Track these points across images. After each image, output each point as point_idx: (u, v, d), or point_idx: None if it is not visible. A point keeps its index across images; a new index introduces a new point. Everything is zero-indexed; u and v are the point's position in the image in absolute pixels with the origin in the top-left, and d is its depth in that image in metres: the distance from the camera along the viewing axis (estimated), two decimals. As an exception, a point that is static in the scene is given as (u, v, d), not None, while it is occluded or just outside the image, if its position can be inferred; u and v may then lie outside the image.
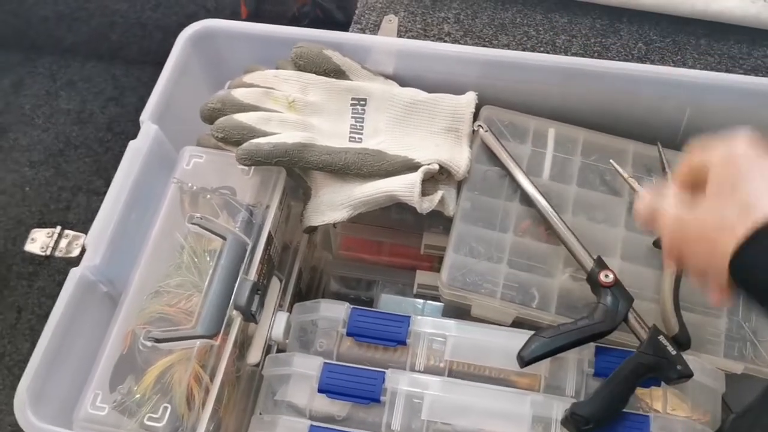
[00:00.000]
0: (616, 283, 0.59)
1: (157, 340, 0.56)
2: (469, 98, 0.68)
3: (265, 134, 0.63)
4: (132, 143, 0.63)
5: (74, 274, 0.56)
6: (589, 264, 0.61)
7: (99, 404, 0.54)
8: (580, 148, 0.69)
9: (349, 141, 0.67)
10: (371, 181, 0.65)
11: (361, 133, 0.67)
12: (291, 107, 0.66)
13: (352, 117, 0.68)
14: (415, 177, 0.62)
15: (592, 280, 0.60)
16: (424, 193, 0.64)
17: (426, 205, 0.63)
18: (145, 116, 0.65)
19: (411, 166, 0.65)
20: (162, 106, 0.66)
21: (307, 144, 0.63)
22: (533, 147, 0.69)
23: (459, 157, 0.66)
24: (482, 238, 0.65)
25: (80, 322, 0.57)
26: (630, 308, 0.59)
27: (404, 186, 0.62)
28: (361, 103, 0.68)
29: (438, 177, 0.66)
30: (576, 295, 0.63)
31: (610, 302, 0.58)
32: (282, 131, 0.64)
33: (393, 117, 0.68)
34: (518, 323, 0.64)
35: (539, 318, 0.63)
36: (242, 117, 0.64)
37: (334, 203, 0.65)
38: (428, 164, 0.64)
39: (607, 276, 0.59)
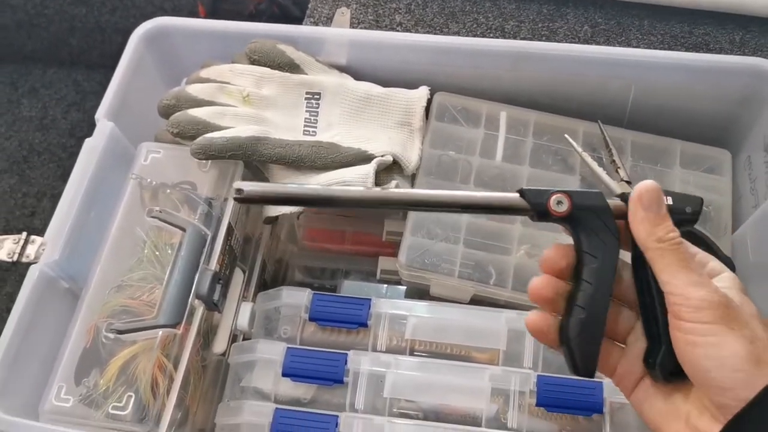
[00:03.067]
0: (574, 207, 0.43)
1: (120, 332, 0.57)
2: (422, 93, 0.70)
3: (219, 128, 0.64)
4: (88, 141, 0.64)
5: (33, 270, 0.57)
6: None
7: (64, 396, 0.55)
8: (532, 130, 0.71)
9: (303, 134, 0.68)
10: (326, 173, 0.66)
11: (315, 127, 0.69)
12: (245, 101, 0.67)
13: (306, 111, 0.69)
14: (369, 168, 0.64)
15: (544, 216, 0.44)
16: (379, 183, 0.65)
17: None
18: (101, 114, 0.65)
19: (365, 158, 0.66)
20: (117, 104, 0.67)
21: (261, 137, 0.64)
22: (486, 130, 0.71)
23: (410, 151, 0.68)
24: (439, 220, 0.67)
25: (42, 318, 0.58)
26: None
27: (358, 176, 0.64)
28: (316, 97, 0.69)
29: (392, 168, 0.67)
30: (531, 270, 0.65)
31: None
32: (236, 125, 0.65)
33: (347, 111, 0.69)
34: (476, 301, 0.66)
35: (497, 294, 0.65)
36: (196, 112, 0.65)
37: None
38: (382, 156, 0.66)
39: (560, 203, 0.43)
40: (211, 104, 0.66)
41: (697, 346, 0.37)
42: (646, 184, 0.41)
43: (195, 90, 0.66)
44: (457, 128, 0.71)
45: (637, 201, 0.41)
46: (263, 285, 0.75)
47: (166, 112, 0.66)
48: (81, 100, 1.12)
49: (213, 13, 1.02)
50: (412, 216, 0.67)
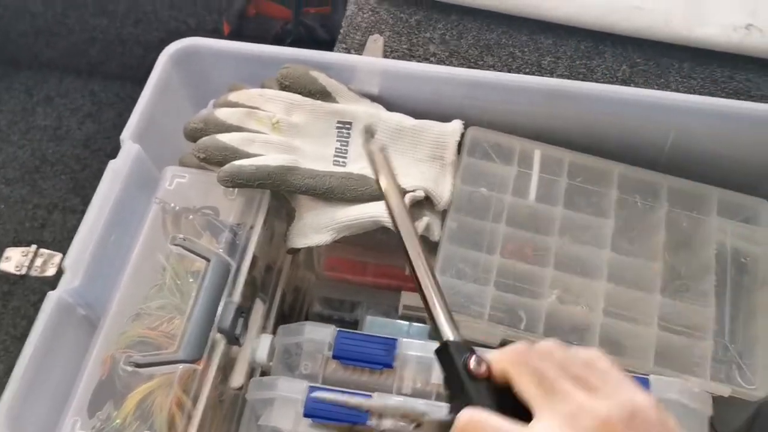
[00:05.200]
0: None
1: (138, 365, 0.55)
2: (455, 126, 0.68)
3: (247, 155, 0.62)
4: (112, 163, 0.62)
5: (52, 297, 0.55)
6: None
7: (78, 431, 0.52)
8: (566, 170, 0.69)
9: (333, 164, 0.66)
10: (356, 205, 0.64)
11: (346, 157, 0.67)
12: (275, 128, 0.66)
13: (337, 140, 0.67)
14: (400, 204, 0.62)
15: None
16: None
17: None
18: (126, 135, 0.63)
19: None
20: (143, 125, 0.65)
21: (291, 167, 0.62)
22: (519, 168, 0.69)
23: (442, 186, 0.66)
24: (469, 260, 0.65)
25: (58, 347, 0.55)
26: None
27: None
28: (347, 126, 0.67)
29: (422, 203, 0.65)
30: (562, 316, 0.63)
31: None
32: (265, 153, 0.63)
33: (378, 142, 0.67)
34: (505, 344, 0.64)
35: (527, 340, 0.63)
36: (225, 137, 0.63)
37: (318, 226, 0.65)
38: (413, 190, 0.64)
39: (479, 364, 0.41)
40: (240, 130, 0.64)
41: None
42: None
43: (223, 114, 0.65)
44: (490, 164, 0.69)
45: None
46: (282, 315, 0.73)
47: (194, 135, 0.64)
48: (97, 112, 1.10)
49: (238, 32, 1.00)
50: (442, 253, 0.65)
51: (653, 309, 0.63)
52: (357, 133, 0.68)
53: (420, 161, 0.68)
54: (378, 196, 0.64)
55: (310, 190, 0.63)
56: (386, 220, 0.62)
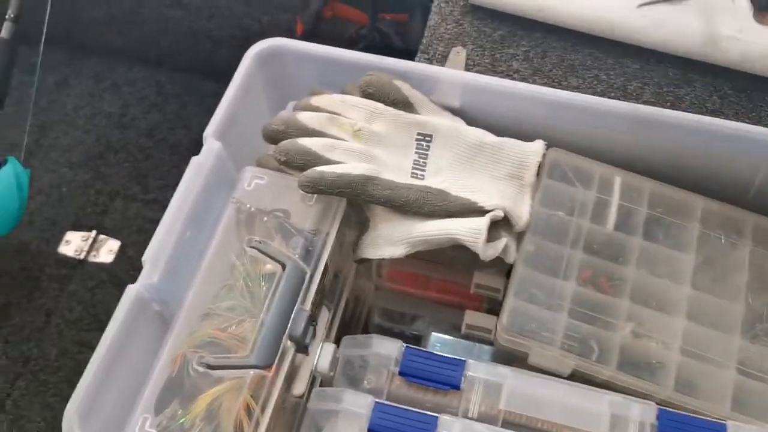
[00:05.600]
0: None
1: (210, 366, 0.54)
2: (538, 147, 0.66)
3: (328, 162, 0.62)
4: (195, 159, 0.61)
5: (131, 291, 0.55)
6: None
7: (148, 429, 0.52)
8: (647, 199, 0.67)
9: (411, 177, 0.65)
10: (432, 220, 0.63)
11: (424, 170, 0.66)
12: (355, 136, 0.65)
13: (416, 152, 0.66)
14: (482, 222, 0.61)
15: None
16: (487, 239, 0.62)
17: (490, 252, 0.62)
18: (209, 132, 0.63)
19: (474, 210, 0.63)
20: (226, 123, 0.64)
21: (371, 177, 0.62)
22: (598, 194, 0.67)
23: (521, 207, 0.65)
24: (543, 285, 0.63)
25: (132, 342, 0.55)
26: None
27: (469, 230, 0.61)
28: (427, 138, 0.66)
29: (499, 223, 0.64)
30: (637, 351, 0.61)
31: None
32: (346, 160, 0.62)
33: (457, 156, 0.66)
34: (573, 376, 0.62)
35: (598, 372, 0.61)
36: (306, 142, 0.62)
37: (392, 238, 0.64)
38: (492, 209, 0.63)
39: None
40: (321, 135, 0.64)
41: None
42: None
43: (305, 118, 0.64)
44: (569, 188, 0.67)
45: None
46: (342, 324, 0.73)
47: (274, 137, 0.63)
48: (162, 102, 1.11)
49: (312, 33, 1.00)
50: (517, 276, 0.63)
51: (732, 351, 0.61)
52: (437, 146, 0.67)
53: (498, 179, 0.66)
54: (455, 212, 0.63)
55: (388, 202, 0.62)
56: (463, 238, 0.61)
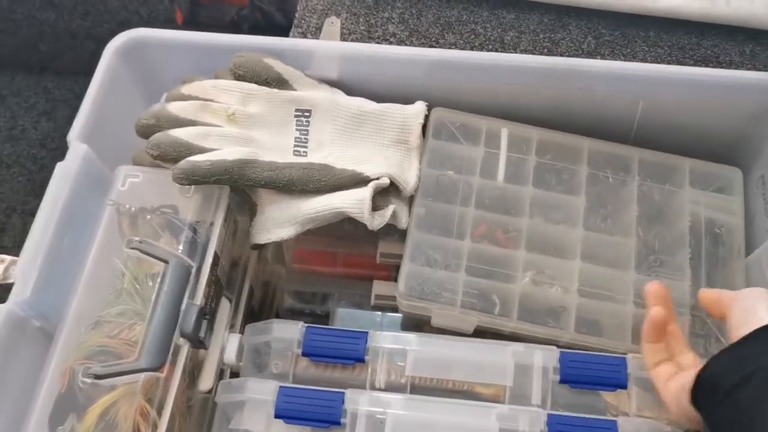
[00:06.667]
0: None
1: (98, 377, 0.52)
2: (419, 108, 0.65)
3: (203, 150, 0.60)
4: (60, 165, 0.59)
5: (1, 310, 0.52)
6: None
7: (38, 449, 0.50)
8: (535, 148, 0.67)
9: (294, 155, 0.64)
10: (318, 197, 0.62)
11: (306, 147, 0.64)
12: (231, 120, 0.63)
13: (296, 129, 0.65)
14: (365, 192, 0.60)
15: None
16: (375, 207, 0.61)
17: (377, 222, 0.61)
18: (73, 135, 0.60)
19: (359, 180, 0.62)
20: (91, 124, 0.62)
21: (249, 160, 0.60)
22: (486, 148, 0.67)
23: (408, 171, 0.64)
24: (439, 246, 0.63)
25: (12, 362, 0.53)
26: None
27: (353, 202, 0.60)
28: (306, 114, 0.65)
29: (388, 190, 0.63)
30: (537, 298, 0.62)
31: None
32: (221, 147, 0.60)
33: (339, 129, 0.65)
34: (479, 332, 0.62)
35: (501, 325, 0.61)
36: (178, 132, 0.60)
37: (280, 220, 0.62)
38: (377, 178, 0.62)
39: None
40: (194, 124, 0.61)
41: None
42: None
43: (176, 108, 0.62)
44: (456, 146, 0.67)
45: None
46: (251, 312, 0.71)
47: (146, 132, 0.61)
48: (52, 109, 1.06)
49: (192, 20, 0.97)
50: (410, 240, 0.63)
51: (628, 286, 0.62)
52: (317, 120, 0.65)
53: (384, 147, 0.65)
54: (342, 185, 0.62)
55: (270, 183, 0.61)
56: (348, 210, 0.60)
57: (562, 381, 0.57)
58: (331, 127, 0.65)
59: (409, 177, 0.64)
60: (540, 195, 0.65)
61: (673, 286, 0.61)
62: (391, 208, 0.62)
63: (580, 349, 0.59)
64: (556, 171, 0.67)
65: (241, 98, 0.64)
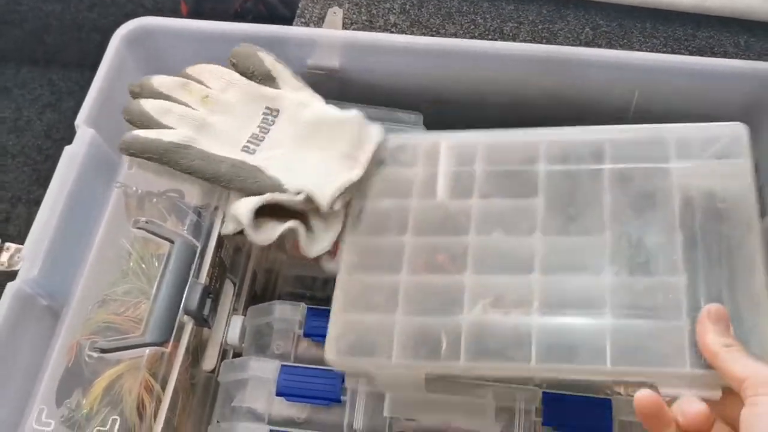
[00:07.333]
0: None
1: (104, 350, 0.54)
2: (378, 128, 0.60)
3: (159, 126, 0.60)
4: (67, 148, 0.60)
5: (10, 288, 0.54)
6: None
7: (45, 420, 0.51)
8: (479, 155, 0.57)
9: (241, 150, 0.61)
10: (242, 198, 0.58)
11: (259, 145, 0.61)
12: (204, 102, 0.62)
13: (258, 126, 0.62)
14: (251, 202, 0.56)
15: None
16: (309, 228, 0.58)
17: (261, 237, 0.56)
18: (80, 120, 0.62)
19: (280, 190, 0.57)
20: (98, 109, 0.63)
21: (183, 145, 0.58)
22: (425, 167, 0.58)
23: (328, 189, 0.57)
24: (372, 287, 0.53)
25: (20, 339, 0.54)
26: None
27: (244, 212, 0.56)
28: (274, 113, 0.63)
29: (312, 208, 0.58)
30: (493, 330, 0.49)
31: None
32: (176, 126, 0.60)
33: (297, 134, 0.62)
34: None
35: (449, 369, 0.50)
36: (146, 103, 0.60)
37: (228, 213, 0.60)
38: (297, 193, 0.57)
39: None
40: (168, 99, 0.61)
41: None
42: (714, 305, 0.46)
43: (158, 81, 0.62)
44: (391, 170, 0.59)
45: (706, 317, 0.46)
46: (254, 296, 0.72)
47: (131, 97, 0.62)
48: (57, 101, 1.08)
49: (196, 11, 0.98)
50: (340, 288, 0.54)
51: (603, 293, 0.49)
52: (282, 121, 0.63)
53: (331, 158, 0.60)
54: (259, 192, 0.58)
55: (197, 173, 0.58)
56: (241, 219, 0.56)
57: (545, 423, 0.54)
58: (291, 131, 0.62)
59: (325, 194, 0.57)
60: (487, 206, 0.54)
61: (665, 286, 0.48)
62: (284, 226, 0.57)
63: (553, 382, 0.54)
64: (508, 175, 0.55)
65: (224, 85, 0.63)
